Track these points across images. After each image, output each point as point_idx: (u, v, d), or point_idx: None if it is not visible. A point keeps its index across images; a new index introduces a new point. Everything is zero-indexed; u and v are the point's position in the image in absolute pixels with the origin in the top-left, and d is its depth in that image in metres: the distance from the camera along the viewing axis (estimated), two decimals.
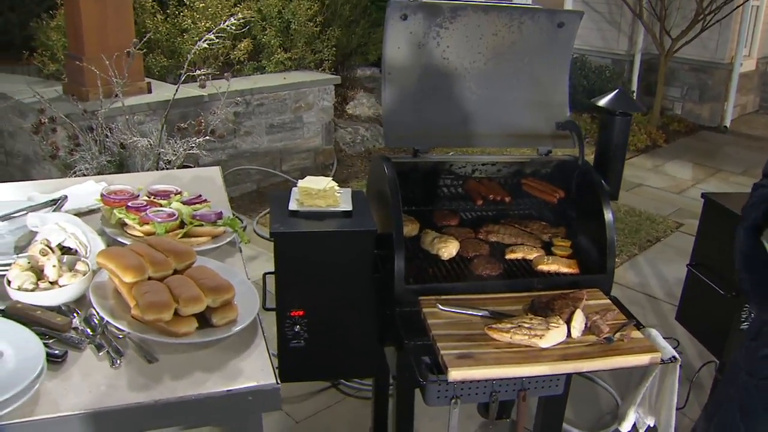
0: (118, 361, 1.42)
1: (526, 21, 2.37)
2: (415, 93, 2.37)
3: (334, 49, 7.47)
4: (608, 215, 2.20)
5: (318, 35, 7.38)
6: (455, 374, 1.71)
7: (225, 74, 5.14)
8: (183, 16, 6.73)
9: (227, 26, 4.71)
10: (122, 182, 2.27)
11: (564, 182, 2.48)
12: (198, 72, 4.76)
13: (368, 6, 8.94)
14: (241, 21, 5.35)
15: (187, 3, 6.80)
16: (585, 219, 2.36)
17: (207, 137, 4.66)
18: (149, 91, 5.55)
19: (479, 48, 2.37)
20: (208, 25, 6.42)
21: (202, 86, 4.90)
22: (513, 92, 2.44)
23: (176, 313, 1.46)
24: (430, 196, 2.58)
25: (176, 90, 4.76)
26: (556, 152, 2.55)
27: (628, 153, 7.85)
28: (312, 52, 7.33)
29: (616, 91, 2.34)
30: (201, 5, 6.68)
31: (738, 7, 8.62)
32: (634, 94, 9.65)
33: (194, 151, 4.62)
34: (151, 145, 4.63)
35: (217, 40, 4.78)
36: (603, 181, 2.29)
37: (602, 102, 2.32)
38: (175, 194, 2.17)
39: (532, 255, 2.33)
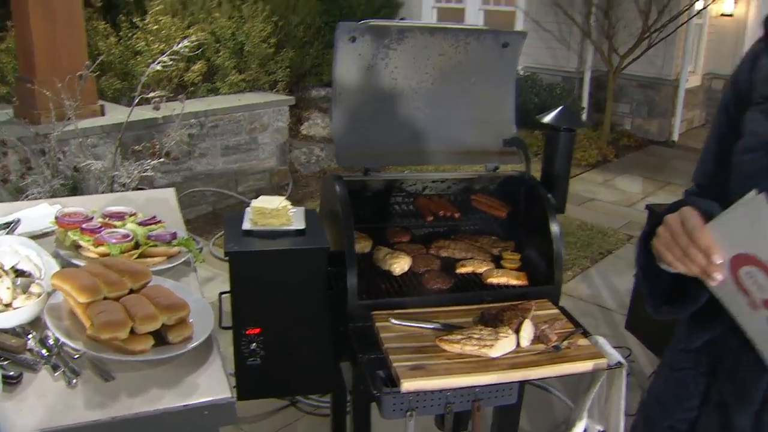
0: (74, 381, 1.44)
1: (472, 42, 2.44)
2: (365, 113, 2.42)
3: (288, 70, 7.53)
4: (554, 228, 2.27)
5: (272, 57, 7.43)
6: (407, 385, 1.76)
7: (179, 96, 5.16)
8: (136, 38, 6.74)
9: (180, 49, 4.73)
10: (76, 205, 2.29)
11: (512, 197, 2.55)
12: (152, 94, 4.77)
13: (322, 27, 9.04)
14: (195, 43, 5.36)
15: (140, 25, 6.81)
16: (533, 232, 2.43)
17: (161, 159, 4.66)
18: (103, 114, 5.54)
19: (427, 68, 2.44)
20: (161, 47, 6.43)
21: (156, 108, 4.90)
22: (461, 111, 2.51)
23: (132, 332, 1.49)
24: (382, 213, 2.63)
25: (130, 112, 4.76)
26: (504, 168, 2.62)
27: (579, 168, 8.04)
28: (266, 74, 7.37)
29: (561, 108, 2.42)
30: (154, 27, 6.69)
31: (682, 25, 8.87)
32: (585, 111, 9.86)
33: (149, 174, 4.63)
34: (104, 167, 4.62)
35: (171, 63, 4.80)
36: (549, 195, 2.36)
37: (547, 119, 2.40)
38: (130, 216, 2.20)
39: (482, 268, 2.39)
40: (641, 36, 8.66)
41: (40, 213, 2.36)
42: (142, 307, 1.52)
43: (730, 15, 10.11)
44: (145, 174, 4.62)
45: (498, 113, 2.55)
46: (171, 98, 5.57)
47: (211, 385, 1.45)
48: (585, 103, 9.96)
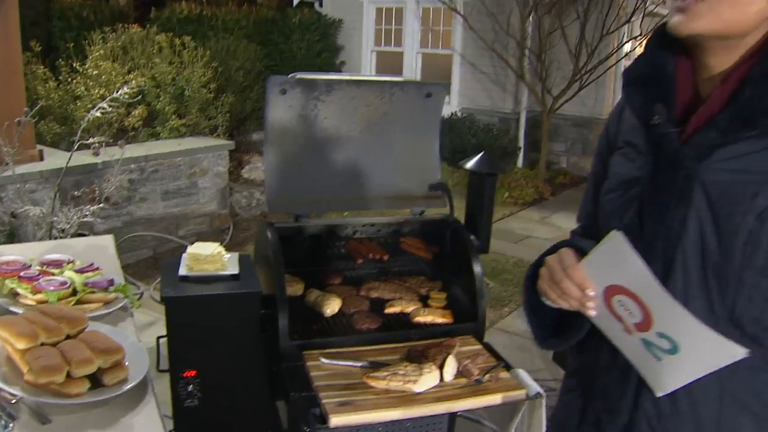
0: (11, 425, 1.50)
1: (397, 92, 2.59)
2: (296, 161, 2.54)
3: (228, 115, 7.62)
4: (476, 268, 2.40)
5: (212, 102, 7.52)
6: (336, 420, 1.85)
7: (119, 142, 5.20)
8: (76, 83, 6.77)
9: (120, 96, 4.80)
10: (14, 253, 2.34)
11: (438, 239, 2.69)
12: (91, 140, 4.81)
13: (262, 71, 9.17)
14: (135, 90, 5.43)
15: (80, 70, 6.84)
16: (458, 272, 2.56)
17: (101, 205, 4.69)
18: (41, 159, 5.55)
19: (354, 118, 2.58)
20: (101, 92, 6.48)
21: (96, 154, 4.94)
22: (388, 158, 2.65)
23: (68, 375, 1.56)
24: (314, 257, 2.74)
25: (69, 158, 4.79)
26: (430, 211, 2.76)
27: (516, 206, 8.26)
28: (206, 118, 7.46)
29: (482, 153, 2.57)
30: (94, 72, 6.73)
31: (611, 67, 9.24)
32: (521, 150, 10.14)
33: (88, 219, 4.65)
34: (43, 213, 4.64)
35: (111, 109, 4.86)
36: (472, 237, 2.50)
37: (469, 164, 2.55)
38: (68, 263, 2.26)
39: (409, 308, 2.51)
40: (573, 78, 8.99)
41: None
42: (79, 352, 1.59)
43: None
44: (84, 219, 4.65)
45: (423, 160, 2.70)
46: (111, 143, 5.61)
47: (146, 425, 1.53)
48: (521, 142, 10.25)
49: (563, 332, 1.51)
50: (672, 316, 1.24)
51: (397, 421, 2.00)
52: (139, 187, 6.09)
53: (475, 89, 10.78)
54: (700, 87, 1.35)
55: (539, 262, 1.46)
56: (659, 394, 1.36)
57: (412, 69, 11.78)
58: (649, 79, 1.39)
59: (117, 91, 4.87)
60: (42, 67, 7.00)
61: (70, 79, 6.87)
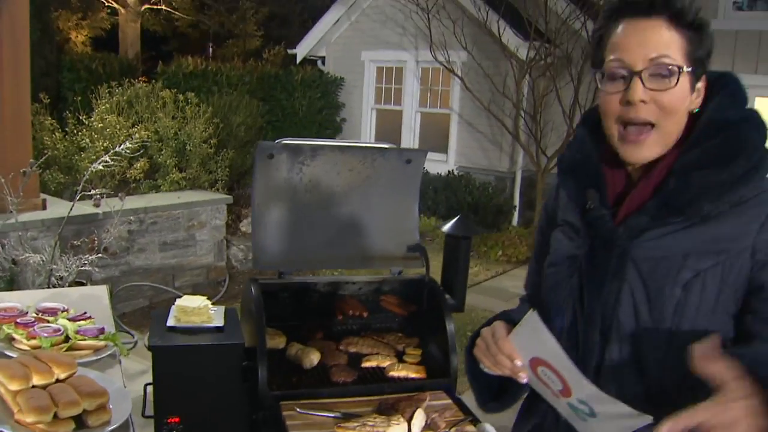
0: None
1: (378, 158, 2.75)
2: (282, 222, 2.70)
3: (228, 169, 7.82)
4: (449, 326, 2.53)
5: (212, 156, 7.73)
6: None
7: (119, 194, 5.38)
8: (81, 134, 6.98)
9: (123, 150, 4.98)
10: (13, 300, 2.48)
11: (416, 298, 2.82)
12: (93, 191, 4.98)
13: (264, 127, 9.41)
14: (137, 144, 5.63)
15: (86, 123, 7.06)
16: (433, 330, 2.69)
17: (99, 255, 4.85)
18: (44, 208, 5.72)
19: (338, 182, 2.74)
20: (105, 144, 6.69)
21: (96, 205, 5.11)
22: (369, 220, 2.80)
23: (55, 416, 1.69)
24: (297, 312, 2.87)
25: (71, 208, 4.96)
26: (409, 271, 2.90)
27: (510, 264, 8.39)
28: (207, 172, 7.65)
29: (458, 217, 2.73)
30: (99, 125, 6.95)
31: None
32: (516, 209, 10.33)
33: (86, 268, 4.79)
34: (43, 261, 4.78)
35: (113, 163, 5.05)
36: (447, 296, 2.64)
37: (445, 228, 2.71)
38: (62, 311, 2.40)
39: (385, 363, 2.63)
40: (567, 138, 9.21)
41: None
42: (66, 394, 1.73)
43: None
44: (82, 268, 4.79)
45: (402, 222, 2.85)
46: (112, 195, 5.79)
47: None
48: (516, 201, 10.45)
49: (502, 397, 1.64)
50: (580, 386, 1.38)
51: None
52: (137, 237, 6.25)
53: (472, 148, 11.02)
54: (617, 169, 1.52)
55: (478, 334, 1.59)
56: None
57: (411, 127, 12.04)
58: (580, 167, 1.55)
59: (120, 146, 5.06)
60: (50, 118, 7.23)
61: (76, 131, 7.09)
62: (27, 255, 4.74)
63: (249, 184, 9.05)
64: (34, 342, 2.16)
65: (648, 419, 1.29)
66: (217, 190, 7.57)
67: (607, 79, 1.42)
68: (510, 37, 10.10)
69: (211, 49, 21.36)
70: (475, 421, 2.32)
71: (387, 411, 2.27)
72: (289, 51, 14.34)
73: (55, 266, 4.78)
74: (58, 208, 5.69)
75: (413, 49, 11.76)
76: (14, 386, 1.75)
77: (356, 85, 12.89)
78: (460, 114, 11.25)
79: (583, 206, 1.51)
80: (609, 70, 1.41)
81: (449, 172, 10.82)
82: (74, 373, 1.91)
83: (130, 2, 17.65)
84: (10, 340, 2.22)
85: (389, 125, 12.50)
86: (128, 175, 6.93)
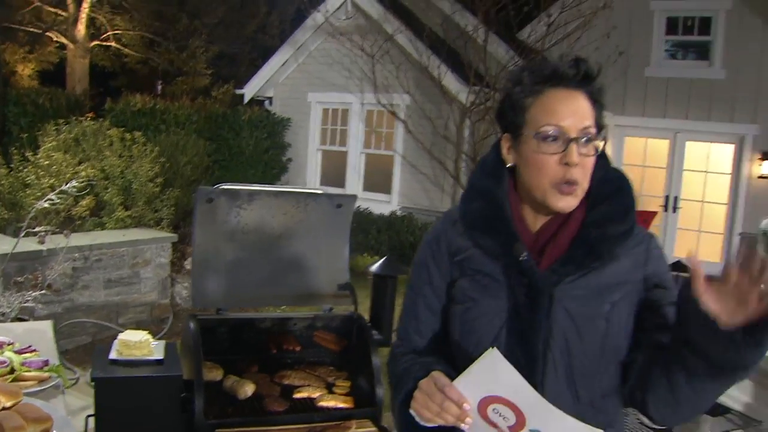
0: None
1: (311, 203, 2.96)
2: (219, 262, 2.88)
3: (173, 208, 7.94)
4: (375, 360, 2.73)
5: (158, 195, 7.85)
6: None
7: (64, 232, 5.46)
8: (27, 171, 7.05)
9: (69, 188, 5.09)
10: None
11: (346, 333, 3.02)
12: (38, 229, 5.07)
13: (210, 166, 9.55)
14: (84, 183, 5.74)
15: (32, 159, 7.14)
16: (361, 363, 2.89)
17: (43, 291, 4.93)
18: None
19: (273, 224, 2.94)
20: (51, 181, 6.78)
21: (41, 242, 5.19)
22: (302, 260, 3.00)
23: None
24: (234, 346, 3.04)
25: (15, 245, 5.04)
26: (340, 308, 3.10)
27: None
28: (152, 210, 7.76)
29: (384, 258, 2.94)
30: (45, 163, 7.04)
31: None
32: None
33: (29, 305, 4.87)
34: None
35: (59, 201, 5.15)
36: (374, 332, 2.84)
37: (373, 268, 2.92)
38: (8, 345, 2.54)
39: (315, 394, 2.81)
40: None
41: None
42: (13, 420, 1.87)
43: None
44: (25, 304, 4.87)
45: (333, 262, 3.05)
46: (57, 231, 5.86)
47: None
48: None
49: None
50: (542, 412, 1.53)
51: None
52: (82, 274, 6.32)
53: (415, 189, 11.31)
54: (529, 223, 1.73)
55: (411, 390, 1.66)
56: None
57: (356, 168, 12.29)
58: (493, 223, 1.72)
59: (66, 184, 5.16)
60: None
61: (21, 167, 7.16)
62: None
63: None
64: None
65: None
66: (163, 228, 7.68)
67: (543, 141, 1.62)
68: (451, 82, 10.45)
69: (160, 87, 21.43)
70: None
71: None
72: (237, 91, 14.55)
73: None
74: (1, 245, 5.75)
75: (358, 92, 12.06)
76: None
77: (302, 125, 13.13)
78: (404, 156, 11.55)
79: (509, 259, 1.69)
80: (545, 132, 1.62)
81: (392, 212, 11.07)
82: (19, 402, 2.05)
83: (80, 38, 17.69)
84: None
85: (334, 166, 12.74)
86: (73, 213, 7.01)
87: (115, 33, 18.79)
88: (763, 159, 11.31)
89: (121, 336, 2.69)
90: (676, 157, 12.18)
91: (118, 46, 19.16)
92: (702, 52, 12.07)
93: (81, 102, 14.30)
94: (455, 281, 1.79)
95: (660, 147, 12.36)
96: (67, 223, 6.84)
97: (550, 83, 1.64)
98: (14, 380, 2.31)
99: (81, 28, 17.64)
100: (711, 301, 1.40)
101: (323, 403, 2.75)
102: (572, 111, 1.61)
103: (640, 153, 12.60)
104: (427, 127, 10.91)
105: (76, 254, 6.11)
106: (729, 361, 1.43)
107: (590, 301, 1.64)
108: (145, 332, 2.71)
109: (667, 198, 12.30)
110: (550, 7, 10.47)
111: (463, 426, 1.55)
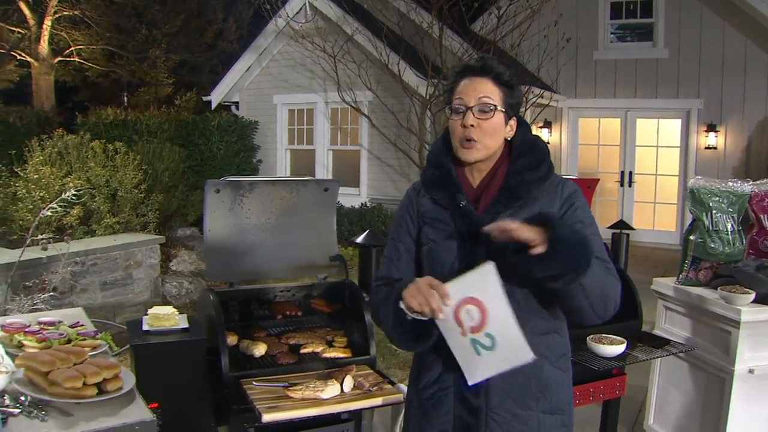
0: (47, 418, 2.24)
1: (302, 188, 3.47)
2: (228, 242, 3.38)
3: (157, 212, 8.35)
4: (367, 317, 3.24)
5: (143, 200, 8.25)
6: (267, 417, 2.64)
7: (65, 238, 5.91)
8: (18, 185, 7.42)
9: (69, 197, 5.52)
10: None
11: (339, 298, 3.53)
12: (41, 237, 5.51)
13: (185, 171, 9.96)
14: (81, 191, 6.15)
15: (21, 174, 7.52)
16: (355, 321, 3.40)
17: (51, 293, 5.36)
18: None
19: (271, 208, 3.44)
20: (41, 194, 7.16)
21: (44, 249, 5.63)
22: (297, 237, 3.51)
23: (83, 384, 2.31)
24: (244, 315, 3.54)
25: (21, 253, 5.47)
26: (332, 277, 3.61)
27: None
28: (138, 216, 8.17)
29: (367, 231, 3.46)
30: (35, 176, 7.42)
31: None
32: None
33: (39, 307, 5.30)
34: None
35: (60, 209, 5.57)
36: (364, 294, 3.35)
37: (358, 240, 3.44)
38: (59, 323, 3.00)
39: (318, 348, 3.32)
40: None
41: None
42: (90, 368, 2.34)
43: None
44: (34, 307, 5.29)
45: (324, 237, 3.57)
46: (58, 239, 6.28)
47: (138, 413, 2.28)
48: None
49: (419, 339, 2.23)
50: (502, 321, 2.01)
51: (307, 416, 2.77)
52: (79, 278, 6.74)
53: (382, 180, 11.81)
54: (471, 179, 2.28)
55: (401, 289, 2.15)
56: (471, 383, 2.13)
57: (324, 165, 12.75)
58: (443, 181, 2.27)
59: (65, 193, 5.60)
60: None
61: (10, 182, 7.53)
62: None
63: (175, 226, 9.61)
64: (44, 344, 2.75)
65: (530, 357, 2.00)
66: (149, 231, 8.10)
67: (453, 112, 2.22)
68: (410, 77, 10.96)
69: (125, 98, 21.69)
70: (392, 382, 3.03)
71: (323, 378, 2.96)
72: (204, 98, 14.93)
73: (9, 306, 5.27)
74: (1, 255, 6.14)
75: (322, 92, 12.53)
76: (45, 368, 2.36)
77: (270, 127, 13.57)
78: (369, 149, 12.05)
79: (454, 206, 2.23)
80: (454, 105, 2.22)
81: (362, 204, 11.56)
82: (86, 359, 2.53)
83: (43, 55, 17.91)
84: (20, 346, 2.81)
85: (303, 163, 13.20)
86: (64, 222, 7.38)
87: (77, 48, 19.01)
88: (709, 131, 12.01)
89: (151, 311, 3.17)
90: (628, 135, 12.86)
91: (80, 60, 19.37)
92: (646, 33, 12.75)
93: (50, 118, 14.58)
94: (421, 229, 2.33)
95: (612, 126, 13.04)
96: (59, 232, 7.20)
97: (462, 75, 2.24)
98: None
99: (44, 45, 17.86)
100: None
101: (326, 355, 3.26)
102: (472, 89, 2.18)
103: (594, 132, 13.27)
104: (390, 121, 11.41)
105: (77, 259, 6.52)
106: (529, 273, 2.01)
107: None
108: (170, 306, 3.19)
109: (622, 173, 12.96)
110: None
111: (439, 316, 2.03)
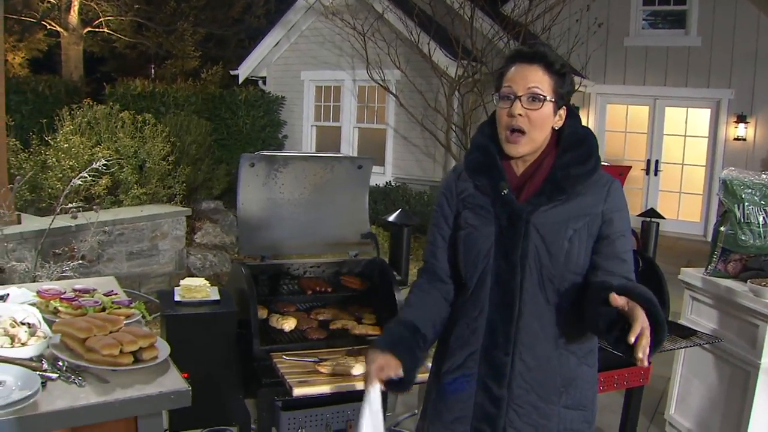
0: (84, 383, 2.27)
1: (336, 165, 3.48)
2: (261, 217, 3.40)
3: (184, 185, 8.39)
4: (398, 295, 3.25)
5: (170, 172, 8.29)
6: (298, 391, 2.67)
7: (94, 207, 5.95)
8: (48, 154, 7.48)
9: (100, 166, 5.55)
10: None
11: (369, 275, 3.54)
12: (71, 205, 5.55)
13: (211, 145, 9.98)
14: (111, 161, 6.19)
15: (52, 143, 7.57)
16: (384, 299, 3.41)
17: (80, 261, 5.41)
18: (19, 222, 6.22)
19: (305, 184, 3.45)
20: (71, 163, 7.21)
21: (74, 218, 5.68)
22: (330, 214, 3.52)
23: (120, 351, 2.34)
24: (274, 290, 3.56)
25: (51, 221, 5.51)
26: (363, 254, 3.62)
27: None
28: (164, 187, 8.21)
29: (400, 210, 3.47)
30: (65, 145, 7.47)
31: None
32: None
33: (68, 274, 5.35)
34: (27, 269, 5.33)
35: (91, 178, 5.61)
36: (394, 273, 3.36)
37: (391, 218, 3.44)
38: (93, 291, 3.03)
39: (348, 324, 3.34)
40: None
41: (16, 291, 3.16)
42: (126, 336, 2.37)
43: None
44: (63, 274, 5.34)
45: (356, 215, 3.58)
46: (87, 208, 6.32)
47: (173, 382, 2.31)
48: None
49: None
50: None
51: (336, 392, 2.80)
52: (106, 248, 6.80)
53: (408, 160, 11.79)
54: (515, 167, 2.26)
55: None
56: None
57: (350, 142, 12.74)
58: (487, 168, 2.25)
59: (95, 163, 5.63)
60: (14, 139, 7.72)
61: (41, 151, 7.59)
62: (13, 263, 5.29)
63: (200, 199, 9.66)
64: (79, 311, 2.79)
65: None
66: (175, 203, 8.14)
67: (500, 99, 2.19)
68: (440, 57, 10.91)
69: (152, 70, 21.73)
70: None
71: (354, 355, 2.98)
72: (231, 72, 14.94)
73: (38, 273, 5.33)
74: (31, 222, 6.21)
75: (350, 69, 12.50)
76: (83, 335, 2.39)
77: (296, 103, 13.57)
78: (396, 129, 12.03)
79: (495, 194, 2.21)
80: (502, 93, 2.18)
81: (387, 183, 11.56)
82: (121, 327, 2.56)
83: (73, 24, 17.97)
84: (55, 312, 2.84)
85: (329, 140, 13.20)
86: (93, 191, 7.44)
87: (106, 19, 19.05)
88: (739, 122, 11.88)
89: (183, 282, 3.20)
90: (656, 123, 12.74)
91: (108, 31, 19.42)
92: (678, 20, 12.58)
93: (78, 88, 14.64)
94: (460, 213, 2.31)
95: (640, 113, 12.92)
96: (87, 201, 7.25)
97: (516, 60, 2.21)
98: None
99: (74, 15, 17.91)
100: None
101: (356, 331, 3.27)
102: (523, 76, 2.14)
103: (622, 119, 13.16)
104: (417, 101, 11.38)
105: (105, 229, 6.58)
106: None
107: (556, 226, 2.14)
108: (202, 278, 3.22)
109: (648, 162, 12.86)
110: None
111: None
